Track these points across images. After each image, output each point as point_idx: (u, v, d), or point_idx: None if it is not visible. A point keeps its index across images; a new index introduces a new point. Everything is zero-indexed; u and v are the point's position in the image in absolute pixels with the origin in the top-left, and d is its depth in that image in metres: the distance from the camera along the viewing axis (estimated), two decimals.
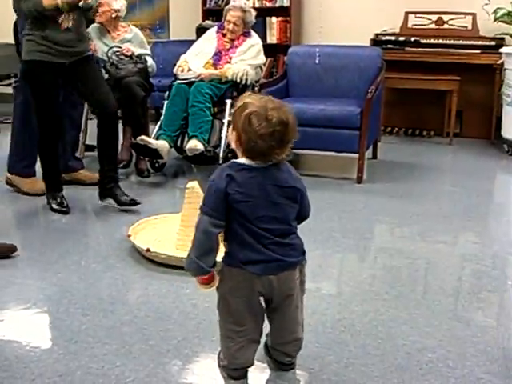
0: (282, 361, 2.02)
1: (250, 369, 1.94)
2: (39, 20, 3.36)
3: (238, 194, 1.72)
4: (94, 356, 2.14)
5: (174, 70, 4.56)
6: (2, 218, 3.75)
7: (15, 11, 3.76)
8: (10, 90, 6.27)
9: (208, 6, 6.41)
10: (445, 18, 5.59)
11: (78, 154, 4.47)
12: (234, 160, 1.79)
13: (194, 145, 4.12)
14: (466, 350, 2.18)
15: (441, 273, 2.88)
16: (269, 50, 5.34)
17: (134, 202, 3.68)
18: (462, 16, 5.52)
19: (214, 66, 4.53)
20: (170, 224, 3.22)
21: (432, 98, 5.67)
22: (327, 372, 2.05)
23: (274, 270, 1.79)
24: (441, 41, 5.51)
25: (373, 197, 4.03)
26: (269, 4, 6.18)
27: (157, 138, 4.28)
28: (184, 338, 2.25)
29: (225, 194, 1.72)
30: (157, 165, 4.55)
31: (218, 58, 4.57)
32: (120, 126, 4.63)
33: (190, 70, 4.51)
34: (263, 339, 2.08)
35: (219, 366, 1.97)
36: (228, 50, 4.58)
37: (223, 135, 4.31)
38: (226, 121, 4.33)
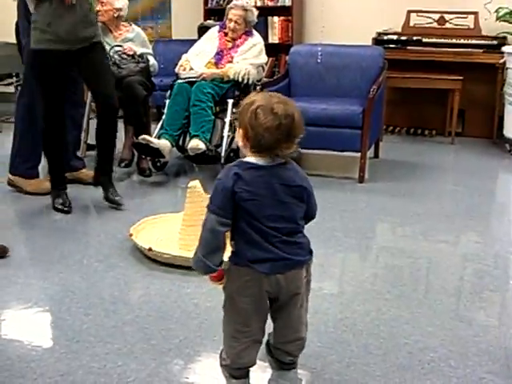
0: (283, 360, 2.02)
1: (251, 368, 1.94)
2: None
3: (246, 193, 1.72)
4: (95, 355, 2.14)
5: (176, 70, 4.56)
6: (4, 217, 3.75)
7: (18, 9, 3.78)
8: (11, 89, 6.29)
9: (210, 5, 6.41)
10: (447, 17, 5.59)
11: (79, 154, 4.48)
12: (241, 159, 1.79)
13: (196, 144, 4.12)
14: (467, 350, 2.18)
15: (443, 272, 2.88)
16: (271, 49, 5.34)
17: (118, 204, 3.71)
18: (464, 15, 5.51)
19: (216, 65, 4.53)
20: (171, 223, 3.22)
21: (434, 98, 5.66)
22: (329, 371, 2.05)
23: (282, 269, 1.79)
24: (443, 40, 5.50)
25: (375, 196, 4.02)
26: (271, 3, 6.17)
27: (158, 138, 4.28)
28: (186, 337, 2.25)
29: (232, 192, 1.72)
30: (158, 164, 4.55)
31: (219, 57, 4.56)
32: (122, 125, 4.65)
33: (191, 69, 4.51)
34: (265, 338, 2.08)
35: (221, 365, 1.97)
36: (230, 49, 4.57)
37: (225, 134, 4.31)
38: (227, 120, 4.33)
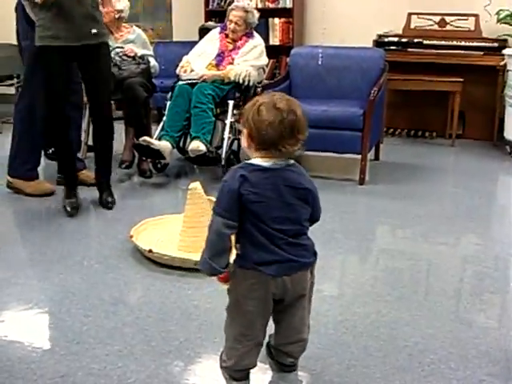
0: (284, 362, 2.02)
1: (252, 370, 1.94)
2: None
3: (252, 195, 1.72)
4: (95, 357, 2.14)
5: (177, 71, 4.57)
6: (4, 218, 3.75)
7: (15, 10, 3.77)
8: (12, 90, 6.29)
9: (211, 6, 6.41)
10: (447, 19, 5.59)
11: (80, 155, 4.48)
12: (247, 161, 1.79)
13: (197, 146, 4.12)
14: (467, 352, 2.18)
15: (443, 274, 2.88)
16: (271, 51, 5.34)
17: (107, 208, 3.75)
18: (465, 17, 5.51)
19: (217, 66, 4.53)
20: (172, 225, 3.22)
21: (434, 100, 5.66)
22: (329, 373, 2.05)
23: (288, 271, 1.79)
24: (443, 42, 5.50)
25: (375, 198, 4.02)
26: (271, 5, 6.17)
27: (159, 139, 4.28)
28: (186, 339, 2.25)
29: (238, 194, 1.72)
30: (159, 165, 4.55)
31: (220, 58, 4.57)
32: (122, 127, 4.65)
33: (192, 70, 4.51)
34: (265, 340, 2.08)
35: (221, 367, 1.96)
36: (231, 50, 4.57)
37: (225, 136, 4.31)
38: (228, 122, 4.33)
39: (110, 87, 3.78)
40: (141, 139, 4.20)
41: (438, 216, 3.67)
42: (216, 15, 6.23)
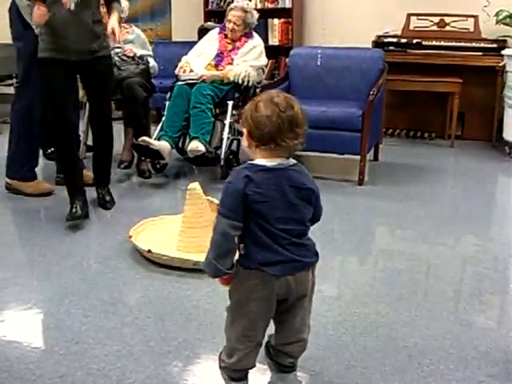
0: (283, 363, 2.02)
1: (251, 370, 1.94)
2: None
3: (257, 195, 1.72)
4: (94, 357, 2.14)
5: (176, 71, 4.57)
6: (3, 219, 3.75)
7: (9, 11, 3.76)
8: (11, 90, 6.27)
9: (210, 7, 6.42)
10: (447, 20, 5.60)
11: (79, 155, 4.48)
12: (250, 161, 1.79)
13: (196, 146, 4.12)
14: (467, 353, 2.18)
15: (442, 275, 2.88)
16: (271, 51, 5.35)
17: (105, 208, 3.74)
18: (464, 18, 5.52)
19: (216, 67, 4.53)
20: (171, 225, 3.22)
21: (434, 100, 5.67)
22: (328, 374, 2.05)
23: (292, 271, 1.79)
24: (443, 43, 5.51)
25: (374, 199, 4.03)
26: (271, 5, 6.19)
27: (158, 139, 4.28)
28: (185, 339, 2.25)
29: (243, 194, 1.71)
30: (158, 166, 4.55)
31: (219, 59, 4.57)
32: (121, 127, 4.65)
33: (191, 71, 4.51)
34: (264, 340, 2.08)
35: (220, 367, 1.96)
36: (230, 51, 4.58)
37: (224, 136, 4.31)
38: (227, 122, 4.33)
39: (110, 93, 3.77)
40: (140, 139, 4.20)
41: (437, 217, 3.67)
42: (215, 15, 6.24)
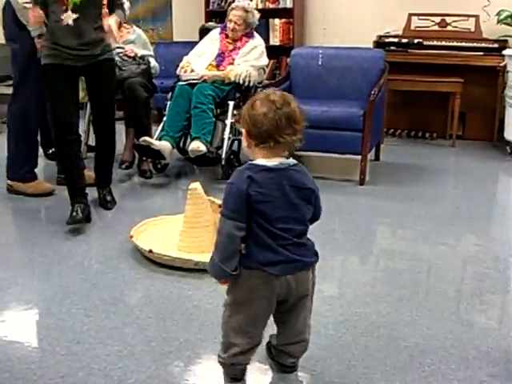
0: (285, 363, 2.02)
1: (252, 370, 1.94)
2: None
3: (260, 195, 1.72)
4: (96, 357, 2.14)
5: (177, 71, 4.57)
6: (4, 219, 3.76)
7: (3, 11, 3.76)
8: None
9: (211, 7, 6.42)
10: (448, 19, 5.59)
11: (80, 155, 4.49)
12: (251, 162, 1.79)
13: (197, 146, 4.12)
14: (468, 353, 2.18)
15: (443, 275, 2.88)
16: (272, 51, 5.35)
17: (106, 208, 3.74)
18: (465, 18, 5.51)
19: (217, 67, 4.53)
20: (172, 225, 3.22)
21: (435, 100, 5.67)
22: (329, 374, 2.05)
23: (292, 271, 1.80)
24: (444, 43, 5.51)
25: (375, 199, 4.02)
26: (272, 5, 6.18)
27: (159, 139, 4.28)
28: (186, 339, 2.25)
29: (247, 195, 1.72)
30: (159, 166, 4.55)
31: (220, 59, 4.57)
32: (123, 127, 4.65)
33: (192, 71, 4.51)
34: (266, 340, 2.08)
35: (219, 362, 1.96)
36: (231, 51, 4.58)
37: (225, 136, 4.31)
38: (228, 122, 4.33)
39: (113, 94, 3.77)
40: (141, 139, 4.20)
41: (438, 217, 3.67)
42: (216, 16, 6.24)
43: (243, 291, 1.82)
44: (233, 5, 4.65)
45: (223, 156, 4.25)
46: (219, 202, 2.75)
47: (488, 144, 5.56)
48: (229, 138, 4.31)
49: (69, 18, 3.29)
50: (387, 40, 5.67)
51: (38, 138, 4.10)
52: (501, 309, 2.60)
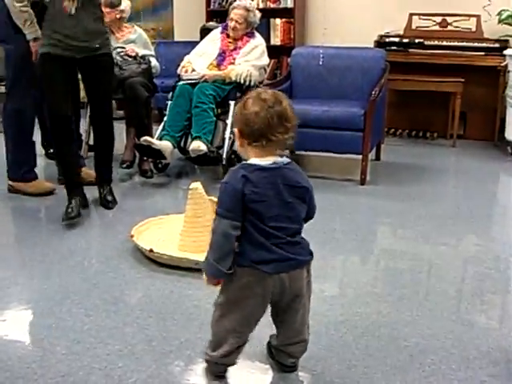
0: (285, 363, 2.02)
1: (252, 370, 1.94)
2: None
3: (254, 194, 1.73)
4: (96, 356, 2.14)
5: (178, 71, 4.57)
6: (4, 218, 3.76)
7: None
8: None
9: (212, 7, 6.42)
10: (449, 19, 5.59)
11: (81, 154, 4.50)
12: (245, 162, 1.80)
13: (198, 146, 4.12)
14: (469, 353, 2.18)
15: (444, 275, 2.88)
16: (272, 51, 5.35)
17: (108, 207, 3.73)
18: (466, 18, 5.51)
19: (218, 66, 4.53)
20: (173, 224, 3.22)
21: (436, 100, 5.66)
22: (330, 374, 2.05)
23: (286, 269, 1.80)
24: (445, 42, 5.50)
25: (376, 198, 4.02)
26: (273, 5, 6.18)
27: (160, 139, 4.28)
28: (186, 339, 2.25)
29: (242, 194, 1.73)
30: (160, 165, 4.55)
31: (221, 58, 4.57)
32: (123, 127, 4.65)
33: (193, 70, 4.51)
34: (266, 340, 2.08)
35: (205, 360, 1.97)
36: (232, 50, 4.57)
37: (226, 136, 4.31)
38: (229, 122, 4.33)
39: (110, 94, 3.78)
40: (142, 139, 4.20)
41: (439, 216, 3.67)
42: (217, 15, 6.24)
43: (236, 290, 1.82)
44: (234, 4, 4.65)
45: (224, 156, 4.25)
46: None
47: (489, 144, 5.56)
48: (229, 138, 4.31)
49: (71, 5, 3.31)
50: (388, 40, 5.67)
51: (38, 138, 4.11)
52: (501, 309, 2.60)
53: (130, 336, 2.28)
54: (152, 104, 4.75)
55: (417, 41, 5.57)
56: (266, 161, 1.77)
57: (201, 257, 2.73)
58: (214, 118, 4.30)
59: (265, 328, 2.01)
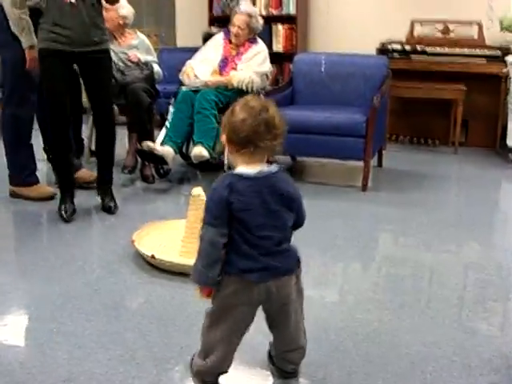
0: (285, 369, 2.01)
1: (253, 376, 1.94)
2: None
3: (240, 203, 1.73)
4: (97, 362, 2.14)
5: (180, 76, 4.57)
6: (6, 223, 3.76)
7: None
8: None
9: (215, 12, 6.43)
10: (451, 26, 5.59)
11: (83, 160, 4.50)
12: (233, 171, 1.80)
13: (199, 151, 4.13)
14: (470, 360, 2.17)
15: (445, 282, 2.87)
16: (275, 57, 5.35)
17: (111, 212, 3.73)
18: (468, 24, 5.52)
19: (220, 72, 4.54)
20: (174, 230, 3.22)
21: (437, 107, 5.66)
22: (330, 380, 2.05)
23: (272, 277, 1.80)
24: (447, 49, 5.51)
25: (378, 205, 4.02)
26: (275, 12, 6.19)
27: (162, 144, 4.29)
28: (187, 345, 2.25)
29: (227, 202, 1.73)
30: (162, 171, 4.55)
31: (224, 64, 4.58)
32: (125, 132, 4.66)
33: (195, 76, 4.51)
34: (266, 347, 2.08)
35: (193, 372, 1.96)
36: (234, 56, 4.59)
37: None
38: None
39: (110, 92, 3.78)
40: (144, 145, 4.21)
41: (440, 223, 3.67)
42: (220, 22, 6.24)
43: (224, 298, 1.82)
44: (236, 9, 4.66)
45: (225, 161, 4.25)
46: None
47: (491, 151, 5.55)
48: None
49: None
50: (390, 47, 5.67)
51: (40, 143, 4.12)
52: (503, 316, 2.59)
53: (131, 341, 2.28)
54: (154, 110, 4.76)
55: (419, 48, 5.57)
56: (252, 169, 1.77)
57: None
58: (216, 124, 4.30)
59: (264, 334, 2.01)
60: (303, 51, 6.03)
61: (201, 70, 4.56)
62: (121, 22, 4.60)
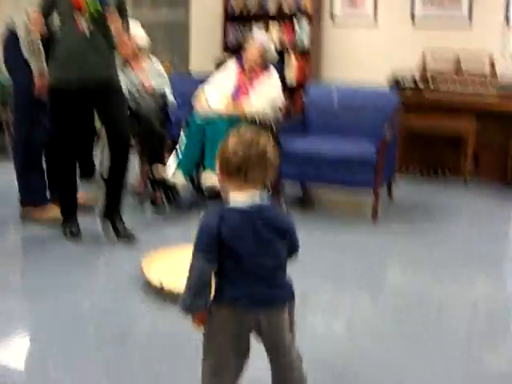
0: None
1: None
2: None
3: (230, 232, 1.73)
4: None
5: (193, 103, 4.59)
6: (15, 245, 3.77)
7: (4, 41, 3.82)
8: None
9: (228, 40, 6.49)
10: (464, 66, 5.61)
11: (93, 185, 4.54)
12: (225, 203, 1.81)
13: (209, 176, 4.14)
14: None
15: (454, 315, 2.86)
16: (287, 88, 5.39)
17: (129, 238, 3.71)
18: (479, 55, 5.55)
19: (233, 100, 4.57)
20: (183, 256, 3.19)
21: (448, 140, 5.67)
22: None
23: (261, 305, 1.78)
24: (458, 87, 5.55)
25: (387, 237, 4.01)
26: (288, 43, 6.25)
27: (173, 172, 4.31)
28: (195, 376, 2.23)
29: (218, 231, 1.73)
30: (172, 197, 4.56)
31: (236, 92, 4.61)
32: (137, 159, 4.69)
33: (208, 103, 4.53)
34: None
35: None
36: (247, 84, 4.62)
37: None
38: None
39: (127, 125, 3.78)
40: (156, 174, 4.23)
41: (450, 256, 3.65)
42: (234, 50, 6.30)
43: (213, 327, 1.81)
44: (251, 41, 4.69)
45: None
46: None
47: (502, 184, 5.53)
48: None
49: (85, 24, 3.36)
50: (402, 80, 5.71)
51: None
52: None
53: (137, 372, 2.26)
54: (166, 137, 4.78)
55: (432, 86, 5.61)
56: (244, 200, 1.77)
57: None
58: None
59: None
60: (315, 82, 6.08)
61: (214, 97, 4.59)
62: (137, 51, 4.64)
